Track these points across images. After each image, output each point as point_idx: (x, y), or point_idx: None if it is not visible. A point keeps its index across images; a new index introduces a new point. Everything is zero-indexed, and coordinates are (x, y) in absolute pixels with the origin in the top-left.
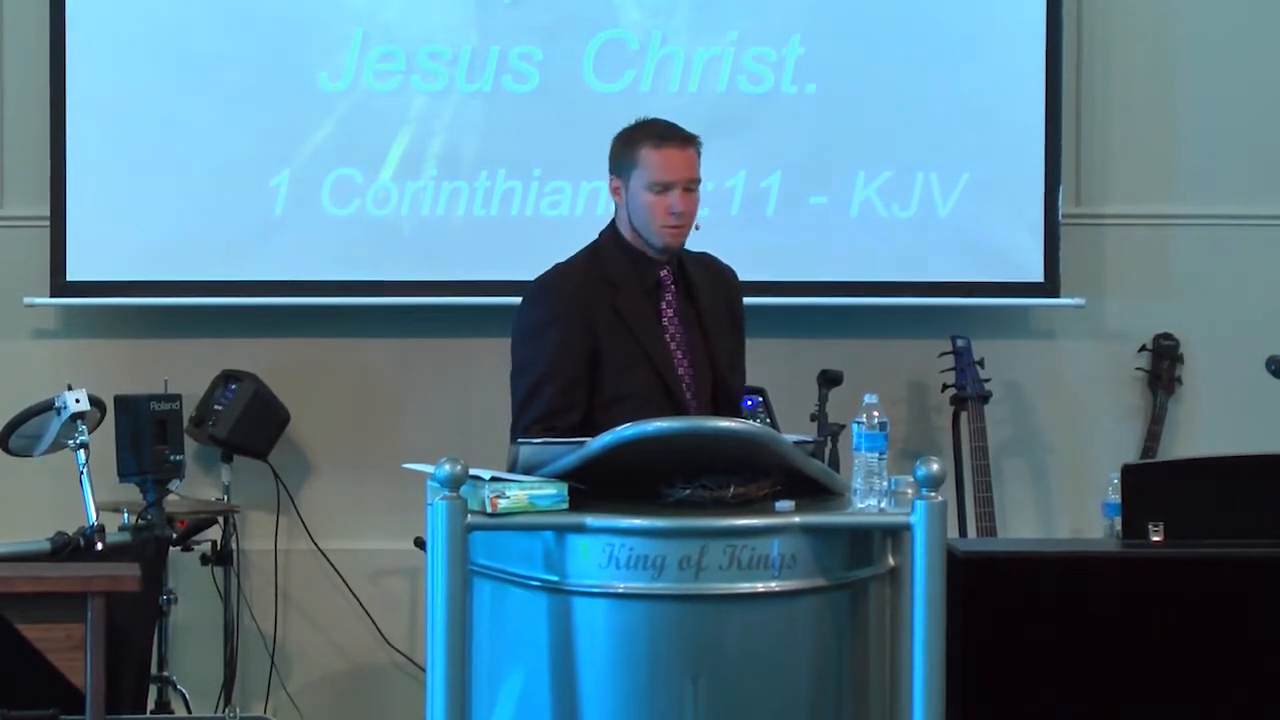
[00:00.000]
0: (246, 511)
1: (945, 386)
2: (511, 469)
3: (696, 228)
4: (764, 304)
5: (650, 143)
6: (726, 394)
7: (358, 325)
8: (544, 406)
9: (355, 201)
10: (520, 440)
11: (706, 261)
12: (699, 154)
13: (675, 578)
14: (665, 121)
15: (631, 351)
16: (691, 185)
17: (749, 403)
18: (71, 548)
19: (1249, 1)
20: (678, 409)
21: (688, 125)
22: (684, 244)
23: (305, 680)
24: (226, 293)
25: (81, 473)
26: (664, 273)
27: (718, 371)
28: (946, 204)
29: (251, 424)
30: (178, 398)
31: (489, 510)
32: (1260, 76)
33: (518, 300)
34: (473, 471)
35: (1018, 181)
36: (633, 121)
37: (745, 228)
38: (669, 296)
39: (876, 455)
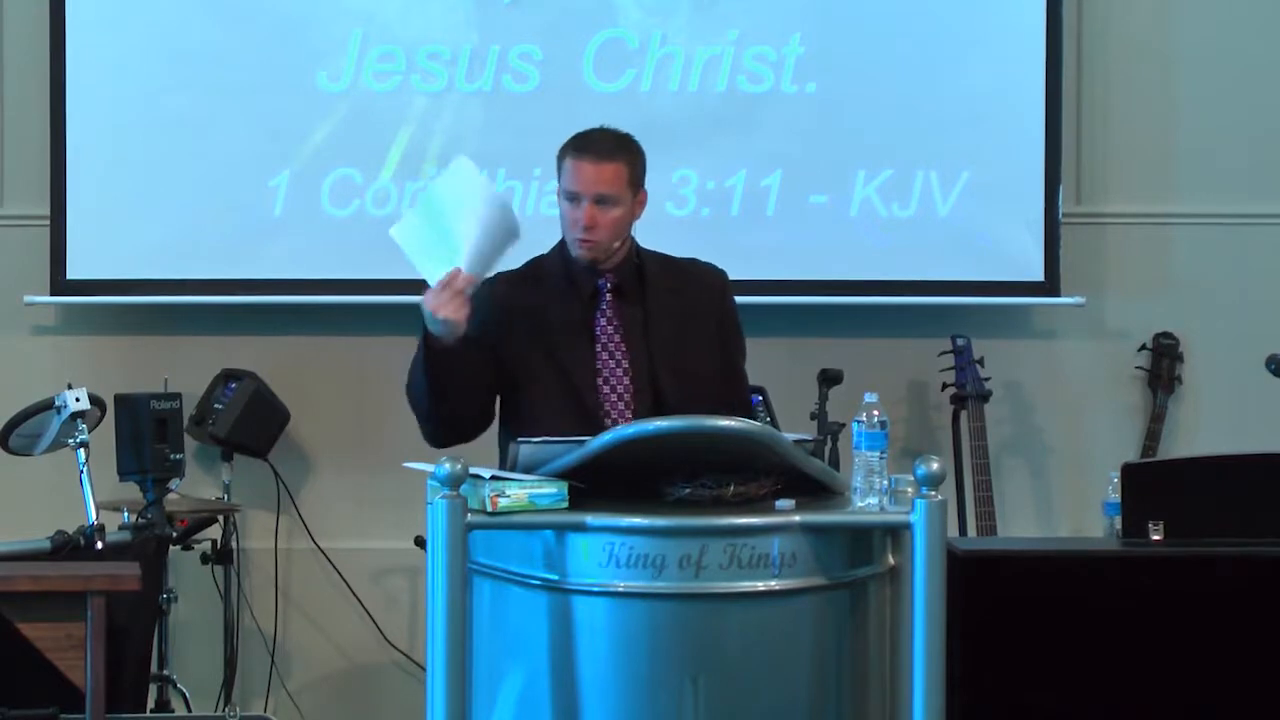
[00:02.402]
0: (247, 510)
1: (945, 385)
2: (512, 467)
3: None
4: (764, 303)
5: (570, 152)
6: (667, 405)
7: (358, 324)
8: None
9: (355, 202)
10: (520, 440)
11: (683, 267)
12: (629, 169)
13: (675, 576)
14: (598, 132)
15: (547, 363)
16: (603, 200)
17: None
18: (71, 546)
19: (1248, 1)
20: (591, 424)
21: (688, 124)
22: (599, 257)
23: (305, 679)
24: (227, 291)
25: (81, 471)
26: (601, 281)
27: (659, 385)
28: (946, 203)
29: (251, 423)
30: (178, 396)
31: (489, 509)
32: (1259, 75)
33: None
34: (473, 470)
35: (1018, 181)
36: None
37: (745, 227)
38: (603, 305)
39: (877, 454)
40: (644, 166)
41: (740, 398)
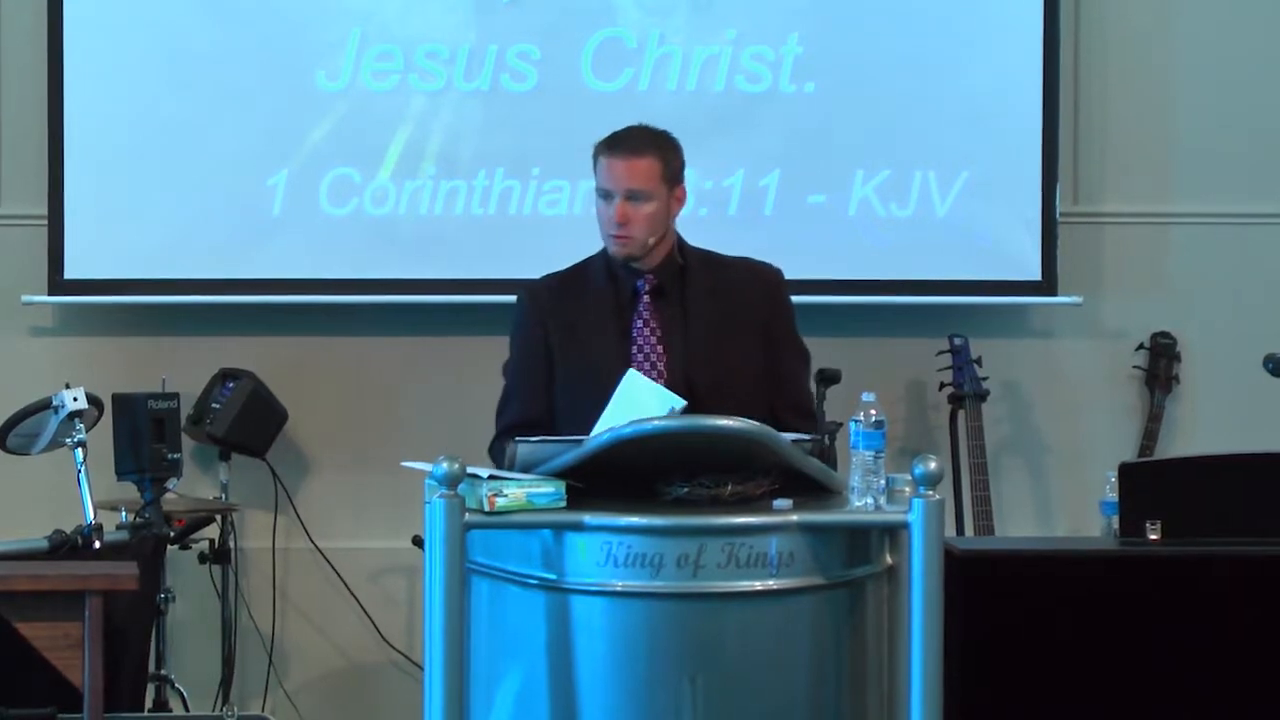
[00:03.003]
0: (244, 510)
1: (943, 385)
2: (511, 467)
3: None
4: None
5: (603, 150)
6: (702, 408)
7: (356, 324)
8: (511, 419)
9: (353, 201)
10: (518, 440)
11: (730, 266)
12: (663, 165)
13: (673, 576)
14: (631, 129)
15: (580, 364)
16: (635, 195)
17: None
18: (69, 546)
19: (1248, 1)
20: None
21: (686, 124)
22: (635, 254)
23: (303, 679)
24: (224, 291)
25: (79, 471)
26: (640, 282)
27: (694, 386)
28: (945, 203)
29: (249, 422)
30: (175, 396)
31: (487, 508)
32: (1258, 74)
33: (515, 299)
34: (470, 469)
35: (1015, 180)
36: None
37: (743, 226)
38: (641, 307)
39: (874, 454)
40: (681, 162)
41: (789, 400)
